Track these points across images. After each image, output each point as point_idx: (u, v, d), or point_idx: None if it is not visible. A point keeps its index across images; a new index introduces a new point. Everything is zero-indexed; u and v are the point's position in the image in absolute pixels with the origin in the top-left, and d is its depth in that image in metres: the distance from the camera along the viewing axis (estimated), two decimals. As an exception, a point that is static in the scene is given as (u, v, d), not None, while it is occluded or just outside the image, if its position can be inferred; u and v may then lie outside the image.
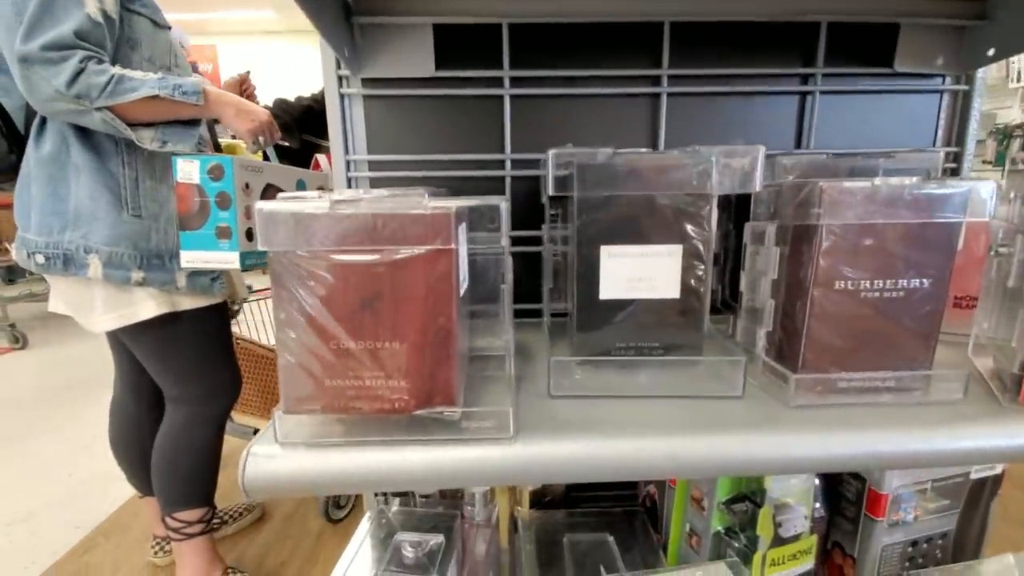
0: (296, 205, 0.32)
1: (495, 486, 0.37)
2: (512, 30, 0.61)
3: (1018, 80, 2.46)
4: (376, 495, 0.70)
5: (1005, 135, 2.55)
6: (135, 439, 1.28)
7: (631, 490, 0.70)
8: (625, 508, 0.66)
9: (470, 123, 0.63)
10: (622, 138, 0.64)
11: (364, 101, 0.62)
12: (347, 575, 0.54)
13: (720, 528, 0.54)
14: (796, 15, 0.60)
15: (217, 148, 1.34)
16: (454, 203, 0.34)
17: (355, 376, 0.33)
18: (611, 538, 0.60)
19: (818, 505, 0.57)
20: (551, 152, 0.39)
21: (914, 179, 0.38)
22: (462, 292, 0.35)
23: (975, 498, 0.57)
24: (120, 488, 1.64)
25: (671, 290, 0.43)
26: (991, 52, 0.60)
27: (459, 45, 0.61)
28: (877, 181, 0.38)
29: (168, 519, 1.16)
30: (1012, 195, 0.44)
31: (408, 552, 0.57)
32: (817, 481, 0.57)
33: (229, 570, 1.26)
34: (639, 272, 0.41)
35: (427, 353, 0.33)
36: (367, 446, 0.35)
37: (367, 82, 0.61)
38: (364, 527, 0.61)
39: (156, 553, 1.42)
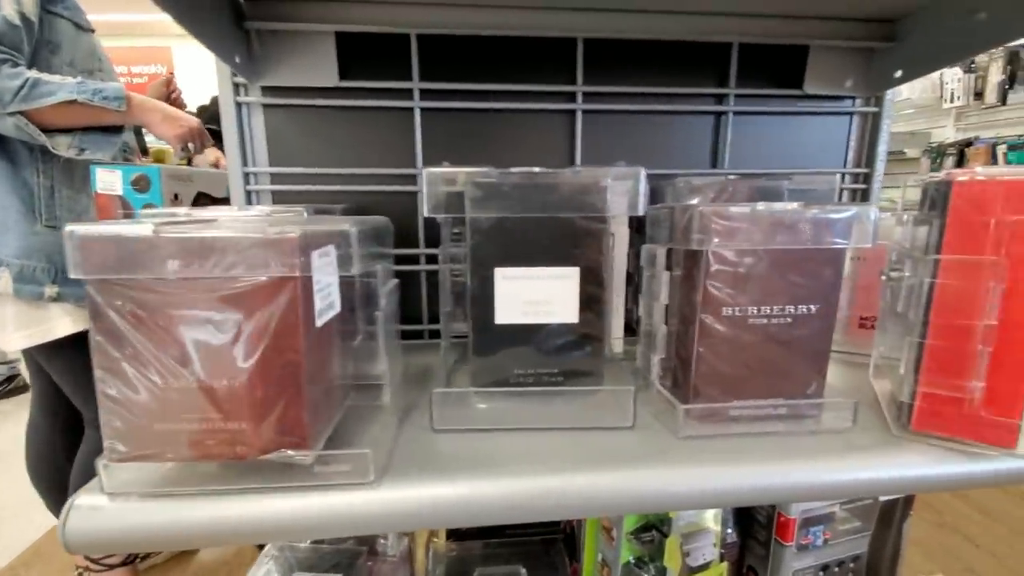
0: (117, 228, 0.29)
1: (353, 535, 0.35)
2: (423, 41, 0.59)
3: (951, 100, 2.60)
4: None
5: (939, 153, 2.68)
6: (52, 464, 1.19)
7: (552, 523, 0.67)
8: (545, 537, 0.64)
9: (380, 136, 0.60)
10: (538, 155, 0.63)
11: (264, 110, 0.59)
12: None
13: (631, 559, 0.52)
14: (707, 35, 0.60)
15: (145, 153, 1.28)
16: (311, 225, 0.31)
17: (189, 419, 0.30)
18: (523, 570, 0.57)
19: (730, 531, 0.55)
20: (425, 171, 0.36)
21: (796, 204, 0.37)
22: (322, 320, 0.33)
23: (886, 520, 0.57)
24: (43, 516, 1.52)
25: (569, 315, 0.41)
26: (898, 74, 0.61)
27: (367, 55, 0.59)
28: (760, 206, 0.37)
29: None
30: (905, 218, 0.44)
31: (302, 595, 0.53)
32: (729, 509, 0.56)
33: (150, 605, 1.18)
34: (535, 296, 0.39)
35: (272, 391, 0.30)
36: (208, 496, 0.32)
37: (267, 90, 0.58)
38: (262, 566, 0.57)
39: (75, 585, 1.32)
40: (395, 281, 0.40)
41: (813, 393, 0.40)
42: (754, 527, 0.57)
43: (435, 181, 0.37)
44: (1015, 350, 0.35)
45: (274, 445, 0.31)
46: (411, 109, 0.60)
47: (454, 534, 0.65)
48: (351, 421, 0.38)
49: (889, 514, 0.57)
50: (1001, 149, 2.47)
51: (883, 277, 0.43)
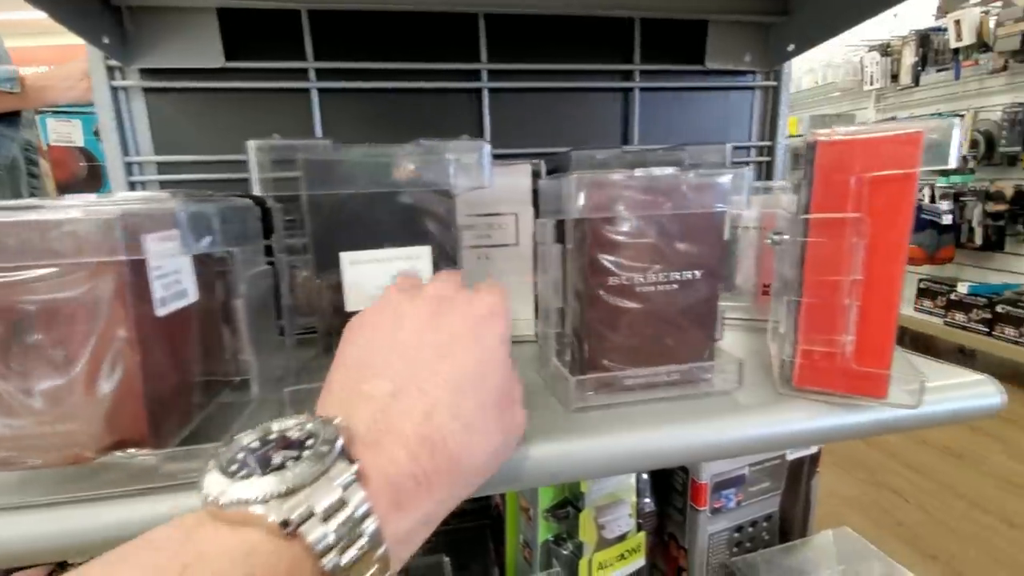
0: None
1: None
2: (318, 18, 0.56)
3: (871, 83, 2.73)
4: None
5: (864, 133, 2.83)
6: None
7: (482, 502, 0.67)
8: (475, 523, 0.63)
9: (275, 120, 0.57)
10: (446, 135, 0.61)
11: (145, 95, 0.55)
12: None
13: (549, 537, 0.52)
14: (607, 10, 0.60)
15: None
16: (149, 205, 0.29)
17: (10, 423, 0.27)
18: (447, 559, 0.56)
19: (647, 500, 0.56)
20: (252, 144, 0.33)
21: (672, 169, 0.37)
22: (168, 309, 0.30)
23: (795, 478, 0.59)
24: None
25: None
26: (791, 47, 0.63)
27: (256, 34, 0.55)
28: (637, 172, 0.37)
29: None
30: (792, 183, 0.45)
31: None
32: (645, 476, 0.57)
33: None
34: (387, 280, 0.37)
35: (105, 386, 0.28)
36: (42, 508, 0.29)
37: (146, 73, 0.54)
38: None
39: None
40: (264, 267, 0.38)
41: (703, 357, 0.40)
42: (672, 495, 0.58)
43: (264, 153, 0.34)
44: (880, 303, 0.36)
45: (112, 445, 0.28)
46: (307, 91, 0.57)
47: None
48: (219, 419, 0.36)
49: (797, 473, 0.59)
50: (918, 128, 2.62)
51: (767, 242, 0.44)
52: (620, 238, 0.37)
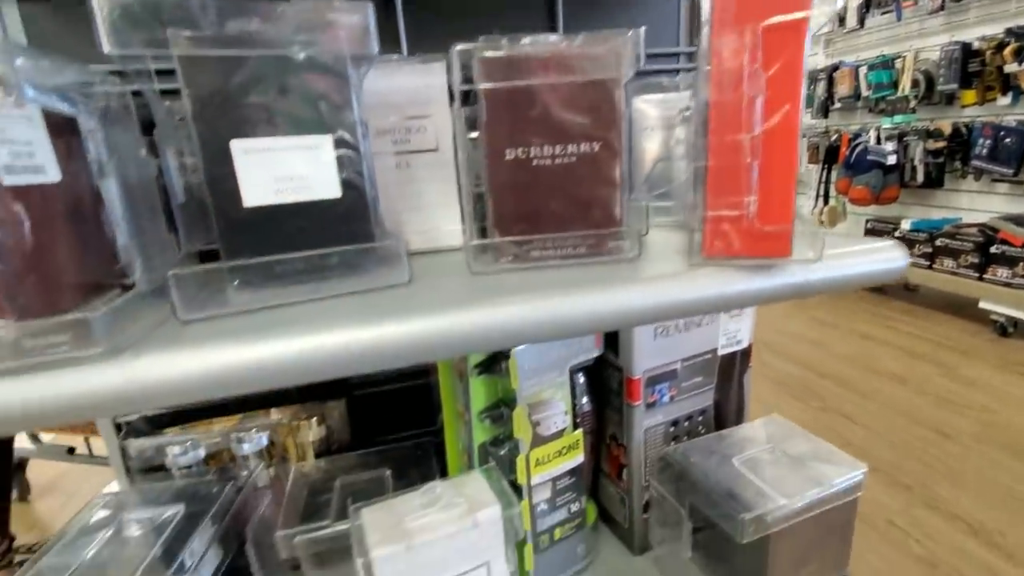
0: None
1: (89, 419, 0.29)
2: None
3: (819, 29, 2.77)
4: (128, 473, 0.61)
5: (811, 80, 2.87)
6: None
7: (428, 425, 0.67)
8: (417, 440, 0.63)
9: None
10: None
11: None
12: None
13: (485, 440, 0.53)
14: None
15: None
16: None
17: None
18: (388, 472, 0.56)
19: (585, 400, 0.57)
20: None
21: (558, 37, 0.36)
22: (17, 181, 0.28)
23: (727, 372, 0.61)
24: None
25: (330, 189, 0.37)
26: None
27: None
28: (525, 40, 0.35)
29: None
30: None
31: (133, 531, 0.49)
32: (582, 378, 0.57)
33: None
34: (286, 170, 0.35)
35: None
36: None
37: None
38: (92, 509, 0.52)
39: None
40: (145, 157, 0.35)
41: (608, 228, 0.40)
42: (610, 396, 0.59)
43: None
44: (780, 159, 0.37)
45: None
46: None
47: (325, 452, 0.63)
48: (99, 303, 0.34)
49: (729, 368, 0.61)
50: (862, 70, 2.68)
51: (680, 117, 0.44)
52: (514, 111, 0.36)
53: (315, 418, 0.61)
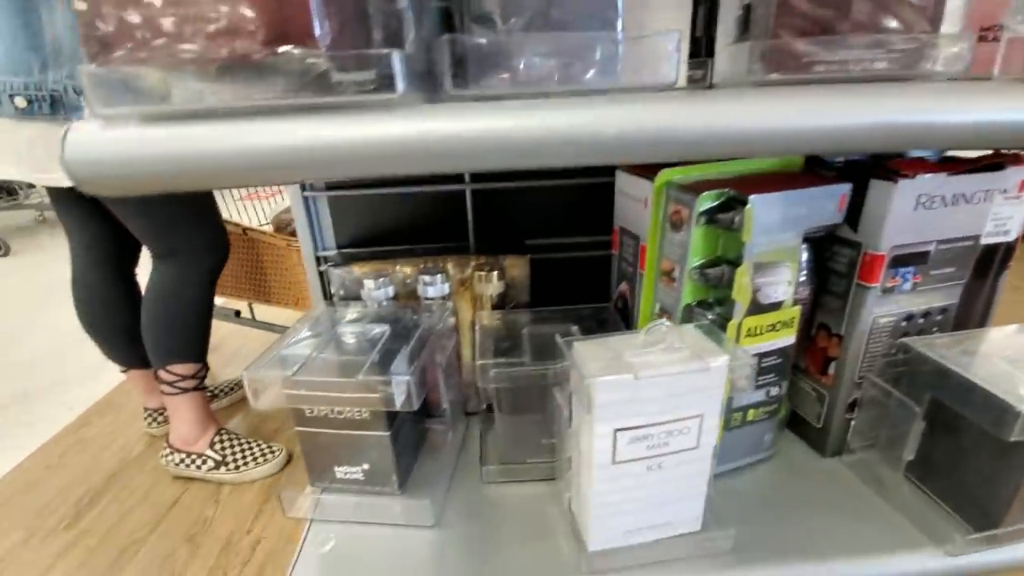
0: None
1: (393, 174, 0.29)
2: None
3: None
4: (329, 298, 0.65)
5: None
6: (105, 314, 1.25)
7: (602, 293, 0.64)
8: (596, 307, 0.61)
9: None
10: None
11: None
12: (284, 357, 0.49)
13: (692, 301, 0.49)
14: None
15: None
16: None
17: (178, 11, 0.25)
18: (576, 327, 0.55)
19: (804, 276, 0.51)
20: None
21: None
22: None
23: (982, 268, 0.51)
24: (110, 375, 1.64)
25: None
26: None
27: None
28: None
29: (162, 372, 1.17)
30: None
31: (347, 340, 0.52)
32: (805, 253, 0.50)
33: (223, 431, 1.28)
34: None
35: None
36: (214, 120, 0.27)
37: None
38: (304, 323, 0.56)
39: (150, 424, 1.44)
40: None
41: (921, 35, 0.32)
42: (831, 279, 0.52)
43: None
44: None
45: (280, 37, 0.26)
46: None
47: (501, 307, 0.63)
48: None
49: (986, 264, 0.51)
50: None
51: None
52: None
53: (496, 272, 0.61)
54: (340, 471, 0.52)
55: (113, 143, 0.27)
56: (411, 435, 0.57)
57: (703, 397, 0.41)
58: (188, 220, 1.10)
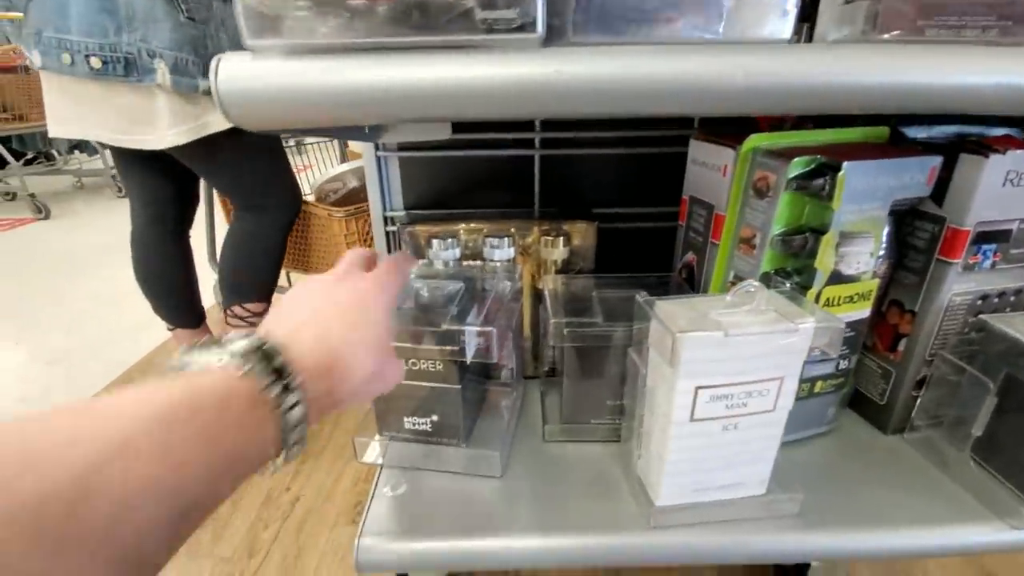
0: None
1: (526, 116, 0.30)
2: None
3: None
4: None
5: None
6: (160, 272, 1.28)
7: (663, 263, 0.65)
8: (660, 275, 0.62)
9: None
10: None
11: None
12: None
13: (770, 269, 0.49)
14: None
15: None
16: None
17: None
18: (644, 293, 0.55)
19: (883, 249, 0.50)
20: None
21: None
22: None
23: (1066, 251, 0.50)
24: (152, 334, 1.69)
25: None
26: None
27: None
28: None
29: (236, 308, 1.24)
30: None
31: (424, 293, 0.53)
32: (888, 227, 0.50)
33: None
34: None
35: None
36: (360, 54, 0.28)
37: None
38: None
39: (190, 383, 1.48)
40: None
41: None
42: (909, 254, 0.52)
43: None
44: None
45: None
46: None
47: (564, 272, 0.64)
48: None
49: (1071, 246, 0.50)
50: None
51: None
52: None
53: (562, 237, 0.62)
54: (409, 421, 0.54)
55: (262, 75, 0.29)
56: (475, 393, 0.58)
57: (786, 360, 0.42)
58: (270, 178, 1.17)
